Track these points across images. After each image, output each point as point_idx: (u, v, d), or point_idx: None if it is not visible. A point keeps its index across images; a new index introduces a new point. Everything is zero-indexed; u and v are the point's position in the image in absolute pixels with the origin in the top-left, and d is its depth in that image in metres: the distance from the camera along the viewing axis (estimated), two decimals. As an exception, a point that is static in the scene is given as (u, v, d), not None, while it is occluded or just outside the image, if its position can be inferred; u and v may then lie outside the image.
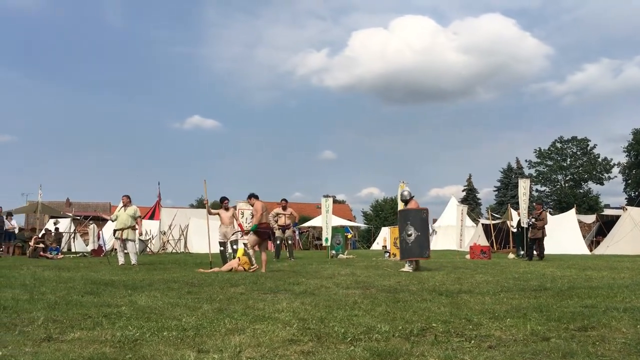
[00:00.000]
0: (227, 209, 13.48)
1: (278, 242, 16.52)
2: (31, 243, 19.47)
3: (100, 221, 30.95)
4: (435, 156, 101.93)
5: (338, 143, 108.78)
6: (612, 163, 64.20)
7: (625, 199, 59.93)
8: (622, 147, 62.19)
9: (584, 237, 25.15)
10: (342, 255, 18.68)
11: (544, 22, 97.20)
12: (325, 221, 19.60)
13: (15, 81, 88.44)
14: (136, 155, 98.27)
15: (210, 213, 13.62)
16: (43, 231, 23.07)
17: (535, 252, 16.26)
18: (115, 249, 13.71)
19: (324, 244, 21.01)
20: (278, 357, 3.18)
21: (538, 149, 67.46)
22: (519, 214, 21.18)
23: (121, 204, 13.47)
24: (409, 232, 10.96)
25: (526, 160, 67.98)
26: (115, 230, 13.23)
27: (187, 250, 26.49)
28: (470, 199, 66.03)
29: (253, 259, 10.59)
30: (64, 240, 25.85)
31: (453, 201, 35.01)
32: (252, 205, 11.27)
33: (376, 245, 39.28)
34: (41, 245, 19.25)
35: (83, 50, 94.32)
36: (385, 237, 27.37)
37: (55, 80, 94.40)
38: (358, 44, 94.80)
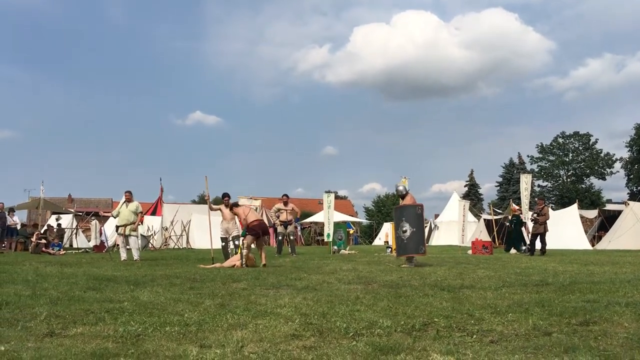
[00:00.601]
0: (227, 206, 13.49)
1: (280, 237, 16.53)
2: (33, 239, 19.52)
3: (102, 217, 31.01)
4: (437, 151, 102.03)
5: (340, 139, 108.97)
6: (614, 158, 64.20)
7: (628, 194, 60.01)
8: (624, 142, 62.24)
9: (586, 232, 25.14)
10: (344, 251, 18.69)
11: (547, 16, 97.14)
12: (327, 217, 19.62)
13: (17, 77, 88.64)
14: (138, 151, 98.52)
15: (211, 209, 13.64)
16: (45, 227, 23.15)
17: (530, 248, 16.26)
18: (117, 245, 13.73)
19: (325, 239, 21.03)
20: (280, 352, 3.18)
21: (540, 144, 67.44)
22: (513, 210, 21.25)
23: (123, 200, 13.48)
24: (404, 229, 10.89)
25: (528, 156, 68.02)
26: (117, 227, 13.26)
27: (189, 246, 26.54)
28: (472, 195, 66.02)
29: (244, 259, 10.56)
30: (66, 236, 25.91)
31: (455, 196, 35.01)
32: (232, 210, 11.39)
33: (378, 241, 39.34)
34: (43, 241, 19.29)
35: (85, 46, 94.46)
36: (387, 232, 27.36)
37: (57, 77, 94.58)
38: (360, 40, 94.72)
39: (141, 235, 20.89)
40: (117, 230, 13.35)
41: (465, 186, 69.70)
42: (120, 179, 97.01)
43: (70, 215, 28.50)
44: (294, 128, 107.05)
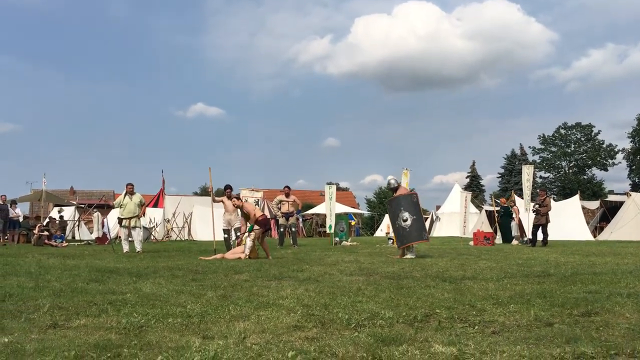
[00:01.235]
0: (230, 198, 13.50)
1: (282, 229, 16.54)
2: (36, 231, 19.56)
3: (106, 208, 31.07)
4: (438, 143, 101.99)
5: (341, 130, 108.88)
6: (616, 149, 63.99)
7: (629, 185, 59.93)
8: (626, 133, 61.99)
9: (588, 223, 25.13)
10: (346, 242, 18.72)
11: (549, 7, 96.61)
12: (329, 208, 19.63)
13: (19, 70, 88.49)
14: (140, 143, 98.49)
15: (214, 200, 13.66)
16: (47, 219, 23.18)
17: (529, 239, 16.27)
18: (120, 237, 13.76)
19: (327, 231, 21.05)
20: (282, 343, 3.19)
21: (542, 135, 67.26)
22: (503, 202, 21.33)
23: (124, 192, 13.49)
24: (405, 218, 10.89)
25: (530, 147, 67.85)
26: (122, 219, 13.26)
27: (191, 238, 26.59)
28: (473, 186, 66.00)
29: (248, 250, 10.57)
30: (68, 228, 25.99)
31: (457, 188, 35.00)
32: (240, 207, 11.30)
33: (380, 232, 39.33)
34: (46, 233, 19.34)
35: (86, 39, 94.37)
36: (389, 224, 27.39)
37: (59, 69, 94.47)
38: (361, 31, 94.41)
39: (143, 227, 20.94)
40: (120, 223, 13.35)
41: (467, 177, 69.66)
42: (122, 171, 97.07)
43: (73, 208, 28.56)
44: (296, 119, 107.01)
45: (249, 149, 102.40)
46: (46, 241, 18.72)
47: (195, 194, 60.63)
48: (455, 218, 28.12)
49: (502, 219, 20.48)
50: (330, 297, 5.00)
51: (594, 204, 30.01)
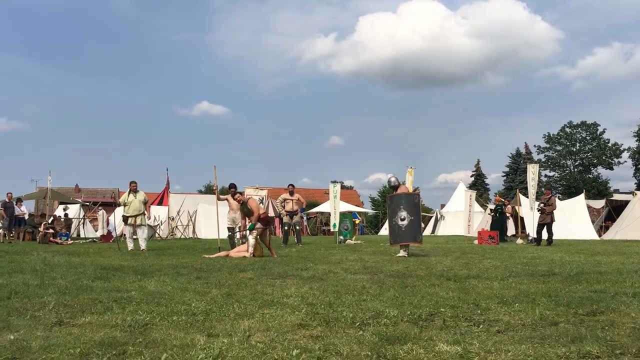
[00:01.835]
0: (234, 196, 13.52)
1: (286, 227, 16.56)
2: (41, 229, 19.64)
3: (114, 206, 31.15)
4: (443, 141, 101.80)
5: (346, 129, 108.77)
6: (621, 148, 63.79)
7: (635, 183, 59.80)
8: (632, 132, 61.88)
9: (593, 222, 25.03)
10: (350, 241, 18.71)
11: (554, 5, 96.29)
12: (333, 207, 19.63)
13: (24, 68, 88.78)
14: (144, 142, 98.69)
15: (219, 199, 13.68)
16: (52, 217, 23.26)
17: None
18: (124, 235, 13.80)
19: (332, 229, 21.05)
20: (287, 342, 3.19)
21: (547, 134, 67.14)
22: (498, 200, 21.37)
23: (128, 190, 13.52)
24: (402, 217, 10.87)
25: (535, 146, 67.69)
26: (127, 217, 13.28)
27: (195, 236, 26.63)
28: (478, 184, 65.88)
29: (251, 248, 10.59)
30: (73, 226, 26.07)
31: (461, 186, 34.91)
32: (244, 202, 11.27)
33: (384, 231, 39.27)
34: (51, 231, 19.41)
35: (91, 37, 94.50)
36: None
37: (64, 68, 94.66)
38: (366, 29, 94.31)
39: (148, 225, 20.97)
40: (126, 221, 13.37)
41: (471, 176, 69.53)
42: (127, 169, 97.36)
43: (78, 205, 28.65)
44: (300, 118, 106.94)
45: (253, 147, 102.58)
46: (51, 239, 18.79)
47: (200, 192, 60.74)
48: (460, 217, 28.07)
49: (498, 217, 20.53)
50: (334, 295, 5.00)
51: (599, 203, 29.90)
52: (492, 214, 20.82)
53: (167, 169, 45.79)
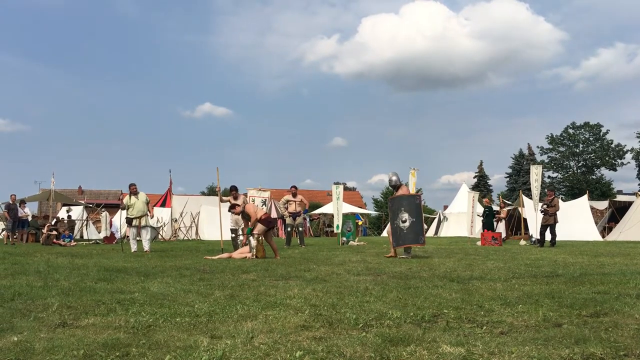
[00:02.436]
0: (236, 199, 13.52)
1: (289, 229, 16.55)
2: (44, 230, 19.68)
3: (120, 209, 31.19)
4: (446, 143, 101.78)
5: (348, 130, 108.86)
6: (625, 149, 63.60)
7: (639, 185, 59.63)
8: (635, 133, 61.79)
9: (597, 223, 24.98)
10: (353, 242, 18.70)
11: (558, 6, 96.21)
12: (337, 208, 19.63)
13: (28, 71, 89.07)
14: (148, 143, 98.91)
15: (221, 200, 13.69)
16: (56, 219, 23.31)
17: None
18: (128, 236, 13.83)
19: (335, 231, 21.04)
20: (290, 343, 3.19)
21: (550, 135, 66.97)
22: (487, 202, 21.44)
23: (129, 193, 13.55)
24: (404, 219, 10.82)
25: (538, 147, 67.57)
26: (131, 219, 13.30)
27: (198, 238, 26.65)
28: (481, 186, 65.80)
29: (254, 249, 10.60)
30: (76, 227, 26.13)
31: (464, 188, 34.88)
32: (241, 212, 11.28)
33: (387, 232, 39.27)
34: (54, 232, 19.45)
35: (94, 39, 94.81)
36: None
37: (67, 69, 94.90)
38: (368, 30, 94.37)
39: (151, 226, 20.99)
40: (130, 223, 13.38)
41: (474, 177, 69.45)
42: (130, 171, 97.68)
43: (81, 207, 28.71)
44: (303, 119, 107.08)
45: (256, 148, 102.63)
46: (54, 240, 18.82)
47: (203, 193, 60.84)
48: (463, 218, 28.05)
49: (486, 219, 20.56)
50: (337, 297, 5.00)
51: (602, 204, 29.83)
52: (481, 216, 20.91)
53: (170, 171, 45.91)
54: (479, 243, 18.06)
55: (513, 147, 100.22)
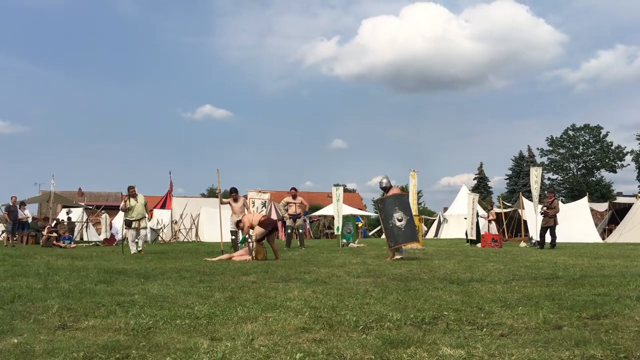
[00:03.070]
0: (236, 200, 13.52)
1: (289, 231, 16.55)
2: (44, 232, 19.67)
3: (116, 210, 31.19)
4: (446, 144, 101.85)
5: (348, 132, 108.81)
6: (625, 151, 63.64)
7: (638, 186, 59.65)
8: (635, 135, 61.87)
9: (597, 225, 25.01)
10: (353, 244, 18.69)
11: (558, 8, 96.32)
12: (337, 210, 19.63)
13: (28, 72, 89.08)
14: (147, 145, 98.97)
15: (222, 202, 13.70)
16: (56, 221, 23.29)
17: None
18: (127, 238, 13.85)
19: (336, 232, 21.03)
20: (290, 345, 3.19)
21: (550, 137, 67.02)
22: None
23: (128, 195, 13.57)
24: (399, 217, 10.79)
25: (538, 148, 67.64)
26: (131, 221, 13.33)
27: (198, 239, 26.65)
28: (481, 188, 65.79)
29: (253, 252, 10.60)
30: (76, 229, 26.11)
31: (464, 190, 34.91)
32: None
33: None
34: (54, 234, 19.44)
35: (94, 40, 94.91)
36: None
37: (67, 71, 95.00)
38: (368, 32, 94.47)
39: (151, 228, 21.02)
40: (129, 225, 13.41)
41: (474, 179, 69.44)
42: (130, 173, 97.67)
43: (81, 209, 28.70)
44: (303, 121, 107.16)
45: (256, 150, 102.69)
46: (54, 242, 18.81)
47: (203, 195, 60.77)
48: (463, 220, 28.06)
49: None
50: (337, 299, 5.00)
51: (602, 206, 29.85)
52: (466, 218, 21.04)
53: (170, 173, 45.79)
54: (479, 245, 18.06)
55: (513, 149, 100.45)
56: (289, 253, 13.09)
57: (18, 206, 20.41)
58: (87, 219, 27.97)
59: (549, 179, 65.54)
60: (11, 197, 20.17)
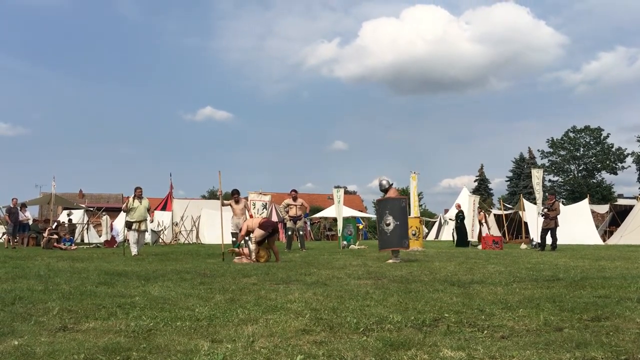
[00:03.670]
0: (237, 202, 13.53)
1: (289, 232, 16.55)
2: (45, 234, 19.67)
3: (117, 211, 31.19)
4: (446, 146, 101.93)
5: (349, 133, 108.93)
6: (625, 153, 63.64)
7: (639, 188, 59.51)
8: (636, 137, 61.88)
9: (597, 227, 24.99)
10: (354, 246, 18.68)
11: (559, 10, 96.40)
12: (339, 212, 19.67)
13: (28, 73, 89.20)
14: (148, 147, 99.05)
15: (223, 204, 13.71)
16: (56, 222, 23.30)
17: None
18: (128, 240, 13.84)
19: (338, 234, 21.04)
20: (291, 347, 3.19)
21: (551, 139, 67.03)
22: (458, 207, 21.60)
23: (134, 195, 13.55)
24: (388, 222, 10.76)
25: (539, 150, 67.62)
26: (132, 222, 13.31)
27: (198, 241, 26.64)
28: (482, 189, 65.83)
29: (253, 254, 10.59)
30: (77, 231, 26.12)
31: (465, 191, 34.85)
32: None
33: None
34: (55, 236, 19.43)
35: (96, 42, 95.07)
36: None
37: (68, 73, 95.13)
38: (369, 34, 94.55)
39: (152, 230, 21.02)
40: (130, 227, 13.39)
41: (475, 181, 69.52)
42: (131, 175, 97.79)
43: (81, 211, 28.71)
44: (304, 123, 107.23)
45: (257, 152, 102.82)
46: (55, 244, 18.81)
47: (203, 197, 60.75)
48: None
49: (459, 224, 20.67)
50: (338, 300, 4.99)
51: (603, 208, 29.84)
52: (454, 220, 21.06)
53: (171, 174, 45.74)
54: (479, 247, 18.06)
55: (514, 150, 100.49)
56: (289, 255, 13.09)
57: (19, 208, 20.41)
58: (87, 221, 27.98)
59: (549, 180, 65.58)
60: (12, 199, 20.18)
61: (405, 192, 33.57)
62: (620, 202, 31.42)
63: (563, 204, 25.54)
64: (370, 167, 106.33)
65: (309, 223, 34.12)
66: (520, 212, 24.83)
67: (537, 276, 7.32)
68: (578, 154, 65.61)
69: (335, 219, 28.34)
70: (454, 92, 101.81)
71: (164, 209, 26.27)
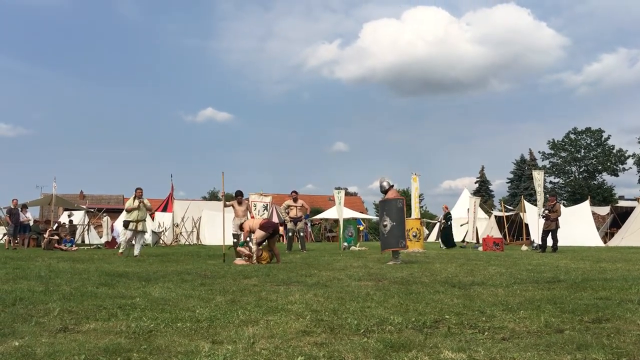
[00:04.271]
0: (240, 203, 13.53)
1: (290, 234, 16.55)
2: (46, 235, 19.67)
3: (118, 212, 31.20)
4: (447, 148, 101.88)
5: (350, 135, 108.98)
6: (626, 154, 63.56)
7: (640, 190, 59.44)
8: (637, 138, 61.72)
9: (598, 228, 24.95)
10: (354, 247, 18.68)
11: (560, 12, 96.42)
12: (339, 213, 19.68)
13: (30, 75, 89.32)
14: (149, 148, 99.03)
15: (225, 205, 13.72)
16: (57, 223, 23.31)
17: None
18: (127, 240, 13.82)
19: (340, 235, 21.05)
20: (291, 349, 3.19)
21: (552, 140, 66.96)
22: (445, 209, 21.66)
23: (134, 196, 13.57)
24: (385, 223, 10.81)
25: (539, 152, 67.55)
26: (129, 222, 13.32)
27: (199, 242, 26.63)
28: (482, 191, 65.81)
29: (254, 255, 10.58)
30: (78, 232, 26.13)
31: (466, 193, 34.84)
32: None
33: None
34: (55, 237, 19.44)
35: (97, 43, 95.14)
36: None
37: (69, 74, 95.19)
38: (370, 36, 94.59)
39: (152, 231, 21.02)
40: (127, 226, 13.39)
41: (476, 182, 69.52)
42: (132, 176, 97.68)
43: (82, 212, 28.72)
44: (304, 124, 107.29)
45: (257, 153, 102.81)
46: (56, 245, 18.82)
47: (204, 198, 60.75)
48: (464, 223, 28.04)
49: (446, 225, 20.70)
50: (339, 302, 4.99)
51: (604, 210, 29.81)
52: (443, 221, 21.07)
53: (172, 176, 45.76)
54: (480, 248, 18.04)
55: (514, 152, 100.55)
56: (290, 256, 13.08)
57: (20, 209, 20.41)
58: (88, 222, 27.98)
59: (550, 182, 65.50)
60: (13, 200, 20.18)
61: (406, 194, 33.58)
62: (621, 203, 31.42)
63: (564, 205, 25.54)
64: (371, 168, 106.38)
65: (309, 224, 34.12)
66: (521, 214, 24.81)
67: (537, 278, 7.31)
68: (579, 156, 65.55)
69: (335, 220, 28.38)
70: (455, 93, 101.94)
71: (164, 210, 26.27)
